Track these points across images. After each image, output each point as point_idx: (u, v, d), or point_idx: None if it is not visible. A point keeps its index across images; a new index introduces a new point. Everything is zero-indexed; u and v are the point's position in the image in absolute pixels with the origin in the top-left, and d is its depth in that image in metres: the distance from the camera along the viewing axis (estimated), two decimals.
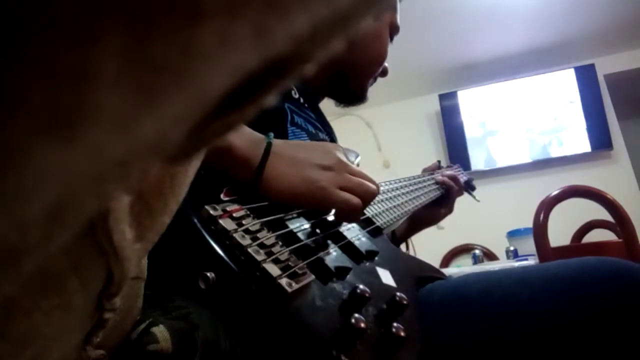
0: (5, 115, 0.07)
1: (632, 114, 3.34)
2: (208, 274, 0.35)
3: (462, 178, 1.05)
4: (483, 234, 2.68)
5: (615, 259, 0.46)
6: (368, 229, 0.61)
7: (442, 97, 3.12)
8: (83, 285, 0.19)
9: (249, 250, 0.38)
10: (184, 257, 0.37)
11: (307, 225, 0.50)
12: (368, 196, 0.50)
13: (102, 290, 0.21)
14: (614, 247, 1.27)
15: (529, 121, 2.96)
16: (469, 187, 1.11)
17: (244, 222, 0.41)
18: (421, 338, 0.45)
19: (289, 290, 0.37)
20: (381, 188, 0.75)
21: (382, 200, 0.73)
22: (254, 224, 0.41)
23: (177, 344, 0.29)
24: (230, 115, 0.12)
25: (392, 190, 0.81)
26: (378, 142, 3.22)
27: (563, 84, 2.91)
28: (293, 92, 0.68)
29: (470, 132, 3.06)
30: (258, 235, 0.41)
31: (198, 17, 0.08)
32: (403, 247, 0.99)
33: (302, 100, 0.70)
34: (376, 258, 0.53)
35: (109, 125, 0.08)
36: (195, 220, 0.38)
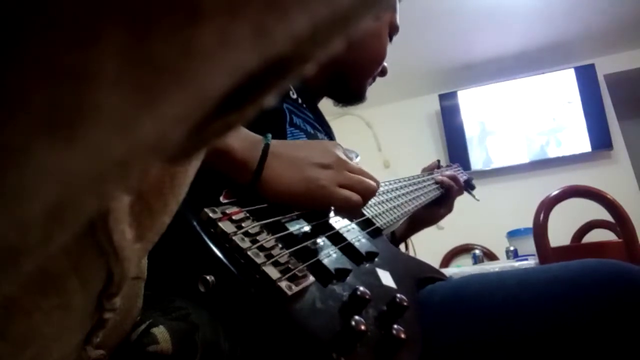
0: (5, 115, 0.07)
1: (632, 114, 3.34)
2: (208, 277, 0.35)
3: (462, 177, 1.05)
4: (483, 234, 2.68)
5: (616, 261, 0.46)
6: (368, 230, 0.61)
7: (442, 97, 3.12)
8: (83, 285, 0.19)
9: (249, 253, 0.38)
10: (184, 260, 0.37)
11: (306, 227, 0.50)
12: (368, 193, 0.50)
13: (102, 290, 0.21)
14: (614, 247, 1.27)
15: (529, 121, 2.97)
16: (468, 187, 1.11)
17: (243, 224, 0.41)
18: (422, 340, 0.45)
19: (289, 293, 0.37)
20: (381, 188, 0.75)
21: (382, 202, 0.73)
22: (253, 227, 0.41)
23: (177, 344, 0.29)
24: (230, 115, 0.12)
25: (392, 190, 0.81)
26: (378, 142, 3.22)
27: (563, 84, 2.91)
28: (291, 92, 0.68)
29: (470, 132, 3.06)
30: (258, 237, 0.41)
31: (198, 17, 0.08)
32: (402, 247, 0.99)
33: (300, 101, 0.70)
34: (376, 259, 0.53)
35: (109, 125, 0.08)
36: (195, 223, 0.38)
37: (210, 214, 0.39)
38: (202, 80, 0.09)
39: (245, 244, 0.39)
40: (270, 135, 0.47)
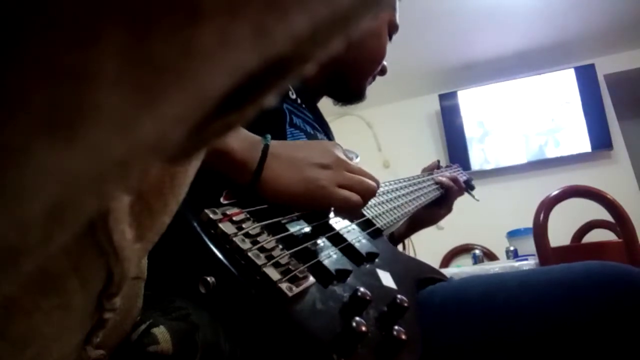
0: (5, 115, 0.07)
1: (632, 114, 3.34)
2: (208, 279, 0.35)
3: (462, 178, 1.05)
4: (483, 234, 2.68)
5: (617, 263, 0.46)
6: (368, 230, 0.61)
7: (442, 97, 3.12)
8: (83, 285, 0.19)
9: (249, 254, 0.38)
10: (184, 261, 0.37)
11: (307, 228, 0.49)
12: (368, 193, 0.50)
13: (102, 290, 0.21)
14: (614, 247, 1.27)
15: (529, 121, 2.97)
16: (468, 187, 1.11)
17: (243, 225, 0.41)
18: (422, 340, 0.45)
19: (290, 294, 0.37)
20: (381, 189, 0.75)
21: (382, 202, 0.73)
22: (254, 228, 0.41)
23: (177, 344, 0.29)
24: (230, 116, 0.12)
25: (392, 191, 0.81)
26: (378, 142, 3.22)
27: (563, 84, 2.91)
28: (290, 92, 0.68)
29: (470, 132, 3.06)
30: (258, 239, 0.40)
31: (198, 17, 0.08)
32: (400, 247, 0.99)
33: (299, 101, 0.70)
34: (376, 260, 0.53)
35: (109, 125, 0.08)
36: (195, 224, 0.38)
37: (211, 215, 0.39)
38: (202, 80, 0.09)
39: (246, 245, 0.39)
40: (269, 136, 0.47)
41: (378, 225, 0.64)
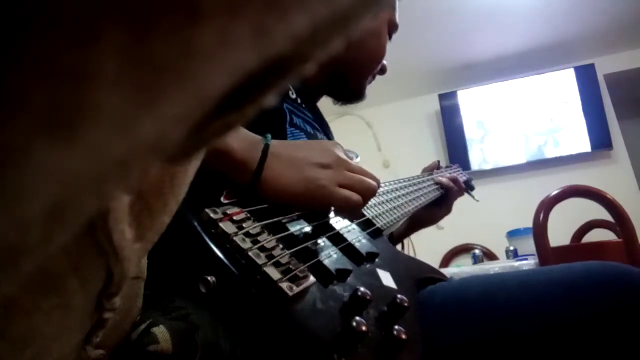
0: (5, 115, 0.07)
1: (632, 114, 3.34)
2: (209, 278, 0.35)
3: (462, 178, 1.05)
4: (483, 234, 2.68)
5: (617, 264, 0.46)
6: (368, 230, 0.61)
7: (442, 97, 3.12)
8: (83, 285, 0.19)
9: (250, 254, 0.38)
10: (185, 261, 0.37)
11: (307, 228, 0.49)
12: (369, 193, 0.50)
13: (102, 290, 0.21)
14: (614, 247, 1.27)
15: (528, 121, 2.97)
16: (468, 188, 1.11)
17: (244, 225, 0.41)
18: (422, 340, 0.45)
19: (290, 294, 0.37)
20: (381, 189, 0.75)
21: (382, 202, 0.73)
22: (254, 227, 0.41)
23: (177, 344, 0.29)
24: (230, 115, 0.12)
25: (393, 191, 0.81)
26: (378, 142, 3.22)
27: (563, 84, 2.91)
28: (291, 92, 0.68)
29: (470, 132, 3.06)
30: (259, 238, 0.41)
31: (198, 17, 0.08)
32: (398, 246, 0.99)
33: (299, 101, 0.70)
34: (377, 260, 0.53)
35: (109, 125, 0.08)
36: (196, 224, 0.38)
37: (212, 215, 0.39)
38: (202, 80, 0.09)
39: (247, 244, 0.39)
40: (270, 136, 0.47)
41: (378, 226, 0.64)
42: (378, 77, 0.82)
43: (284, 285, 0.37)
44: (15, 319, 0.17)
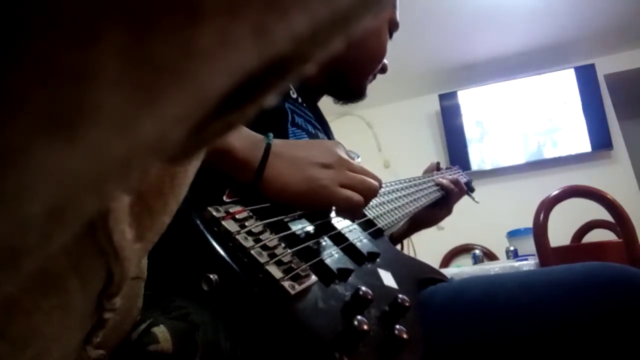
0: (5, 115, 0.07)
1: (632, 114, 3.34)
2: (211, 276, 0.35)
3: (462, 180, 1.05)
4: (483, 234, 2.68)
5: (617, 264, 0.46)
6: (369, 230, 0.61)
7: (442, 97, 3.12)
8: (83, 285, 0.19)
9: (252, 252, 0.38)
10: (187, 259, 0.37)
11: (309, 227, 0.50)
12: (370, 193, 0.50)
13: (102, 290, 0.21)
14: (614, 247, 1.27)
15: (528, 121, 2.97)
16: (468, 189, 1.11)
17: (246, 223, 0.41)
18: (423, 340, 0.45)
19: (292, 292, 0.37)
20: (382, 189, 0.75)
21: (383, 203, 0.73)
22: (256, 226, 0.41)
23: (177, 344, 0.29)
24: (230, 115, 0.12)
25: (393, 191, 0.81)
26: (378, 142, 3.22)
27: (563, 84, 2.91)
28: (291, 91, 0.68)
29: (470, 132, 3.06)
30: (261, 237, 0.41)
31: (198, 17, 0.08)
32: (398, 246, 0.99)
33: (300, 100, 0.70)
34: (378, 260, 0.53)
35: (109, 125, 0.08)
36: (198, 222, 0.38)
37: (214, 213, 0.39)
38: (202, 80, 0.09)
39: (249, 242, 0.39)
40: (272, 135, 0.47)
41: (379, 226, 0.64)
42: (378, 78, 0.82)
43: (286, 284, 0.37)
44: (15, 319, 0.17)
